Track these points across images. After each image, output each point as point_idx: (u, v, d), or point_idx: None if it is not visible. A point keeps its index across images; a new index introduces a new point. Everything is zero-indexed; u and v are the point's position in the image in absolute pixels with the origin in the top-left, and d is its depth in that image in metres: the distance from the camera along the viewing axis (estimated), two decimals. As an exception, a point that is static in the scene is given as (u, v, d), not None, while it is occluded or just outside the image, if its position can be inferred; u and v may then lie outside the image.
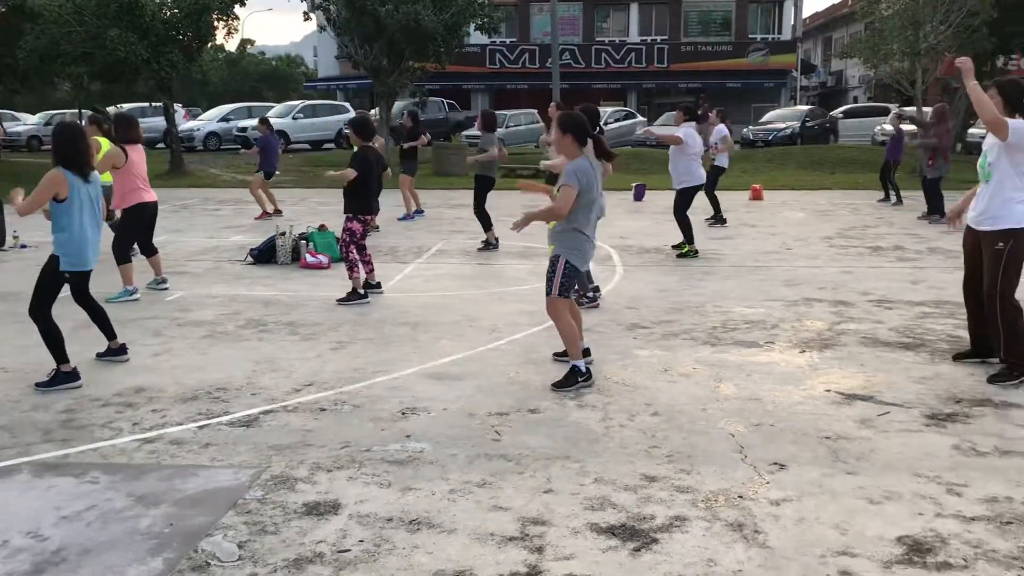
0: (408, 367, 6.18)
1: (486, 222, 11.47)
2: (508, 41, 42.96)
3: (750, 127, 32.44)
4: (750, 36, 43.95)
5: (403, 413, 5.25)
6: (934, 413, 5.18)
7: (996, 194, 5.77)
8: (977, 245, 5.95)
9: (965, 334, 6.79)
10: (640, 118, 35.22)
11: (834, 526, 3.78)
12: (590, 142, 5.80)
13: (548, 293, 5.74)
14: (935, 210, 13.88)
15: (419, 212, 15.35)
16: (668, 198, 17.67)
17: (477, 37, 33.21)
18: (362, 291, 8.37)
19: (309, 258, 10.25)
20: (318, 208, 16.27)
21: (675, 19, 44.07)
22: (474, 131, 33.67)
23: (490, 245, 11.40)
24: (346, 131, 28.33)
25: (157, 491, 4.19)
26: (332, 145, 32.86)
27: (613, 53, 43.41)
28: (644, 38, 44.04)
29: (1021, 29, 25.13)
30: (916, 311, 7.83)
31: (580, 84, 41.01)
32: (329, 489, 4.19)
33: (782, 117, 32.56)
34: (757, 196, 18.07)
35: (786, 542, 3.64)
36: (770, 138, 30.02)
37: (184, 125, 32.67)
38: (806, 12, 50.57)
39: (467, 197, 19.07)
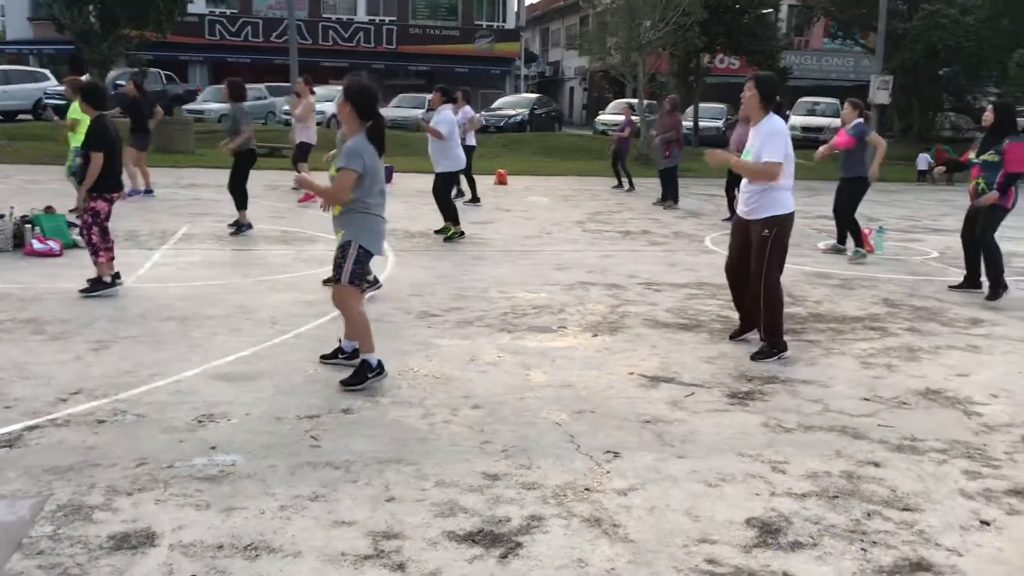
0: (189, 368, 5.54)
1: (242, 201, 10.65)
2: (229, 12, 40.75)
3: (482, 113, 33.04)
4: (476, 23, 44.77)
5: (199, 421, 4.68)
6: (733, 392, 5.42)
7: (759, 187, 6.11)
8: (746, 232, 6.29)
9: (733, 314, 7.22)
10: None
11: (685, 513, 3.80)
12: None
13: (337, 280, 5.35)
14: (670, 196, 14.80)
15: (148, 191, 14.08)
16: (416, 181, 17.63)
17: (196, 6, 31.21)
18: (108, 278, 7.46)
19: (37, 244, 9.01)
20: (27, 187, 14.44)
21: (403, 1, 43.92)
22: (196, 105, 31.72)
23: (242, 228, 10.64)
24: (47, 101, 25.52)
25: (-90, 537, 3.40)
26: (29, 116, 29.43)
27: (341, 31, 42.53)
28: (372, 18, 43.51)
29: (723, 29, 27.54)
30: (683, 292, 8.23)
31: (308, 61, 39.51)
32: (136, 516, 3.61)
33: (512, 104, 33.51)
34: (502, 181, 18.40)
35: (646, 534, 3.60)
36: (502, 124, 30.74)
37: None
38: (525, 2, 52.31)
39: (198, 176, 17.97)
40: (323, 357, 5.79)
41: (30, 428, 4.49)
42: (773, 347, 6.18)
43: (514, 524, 3.64)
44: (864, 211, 10.30)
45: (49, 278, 7.95)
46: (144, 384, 5.20)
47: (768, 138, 5.98)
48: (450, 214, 10.77)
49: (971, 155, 8.30)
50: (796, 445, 4.60)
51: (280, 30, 41.66)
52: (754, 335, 6.41)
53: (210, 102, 32.61)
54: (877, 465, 4.37)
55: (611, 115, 32.98)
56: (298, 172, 14.16)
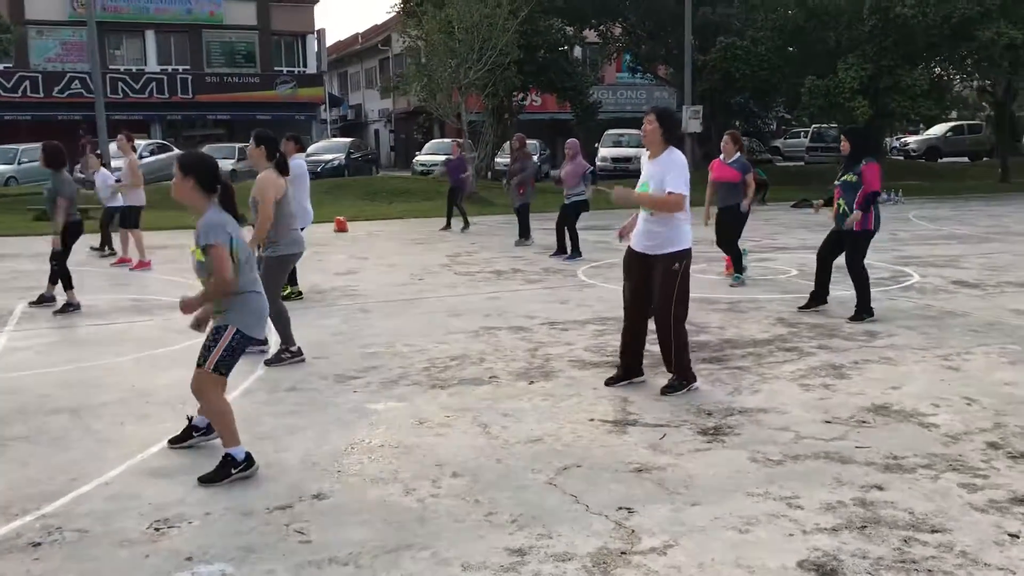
0: (110, 467, 4.84)
1: (67, 280, 9.54)
2: (3, 67, 37.64)
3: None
4: (276, 68, 43.68)
5: (156, 528, 4.06)
6: (703, 429, 5.34)
7: (665, 222, 5.96)
8: (646, 269, 6.08)
9: (652, 347, 7.19)
10: (176, 151, 33.13)
11: (735, 565, 3.63)
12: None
13: (200, 364, 4.64)
14: (524, 233, 14.83)
15: None
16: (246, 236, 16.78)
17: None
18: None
19: None
20: None
21: (196, 49, 42.21)
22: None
23: (70, 307, 9.52)
24: None
25: None
26: None
27: (131, 82, 40.14)
28: (165, 67, 41.48)
29: (535, 68, 28.23)
30: (589, 329, 8.15)
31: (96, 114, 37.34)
32: (140, 659, 3.03)
33: (327, 149, 32.82)
34: (342, 228, 17.84)
35: (712, 594, 3.40)
36: (319, 170, 29.95)
37: None
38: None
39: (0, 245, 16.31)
40: (172, 441, 5.15)
41: (-51, 565, 3.74)
42: (682, 379, 6.12)
43: (573, 603, 3.35)
44: (707, 234, 10.31)
45: None
46: (67, 492, 4.49)
47: (671, 169, 5.92)
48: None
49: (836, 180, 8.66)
50: (795, 477, 4.55)
51: (63, 84, 39.05)
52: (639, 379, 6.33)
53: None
54: (881, 488, 4.38)
55: (428, 155, 33.01)
56: (121, 236, 13.16)
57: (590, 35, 33.26)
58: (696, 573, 3.57)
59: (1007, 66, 26.89)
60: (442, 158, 31.78)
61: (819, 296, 8.91)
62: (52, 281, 9.64)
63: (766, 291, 10.10)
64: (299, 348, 7.11)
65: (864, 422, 5.41)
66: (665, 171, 5.95)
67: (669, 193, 5.88)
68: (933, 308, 8.90)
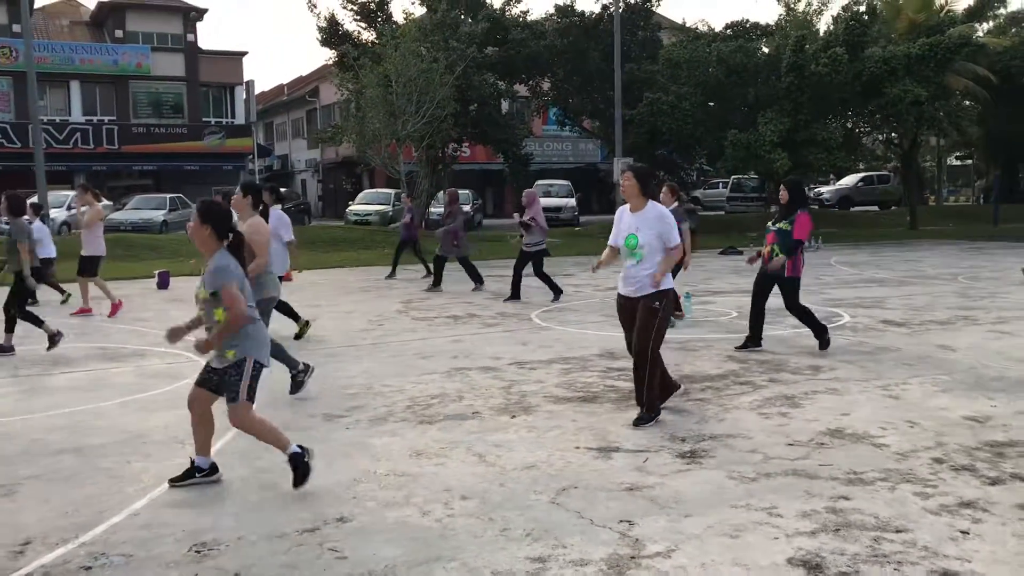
0: (132, 500, 5.10)
1: (35, 320, 9.86)
2: (-80, 116, 36.86)
3: (229, 210, 32.18)
4: (204, 119, 43.65)
5: (196, 551, 4.35)
6: (680, 453, 5.84)
7: (647, 267, 6.56)
8: (635, 311, 6.68)
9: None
10: (106, 201, 32.78)
11: (733, 563, 4.11)
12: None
13: (234, 400, 5.16)
14: (477, 280, 15.30)
15: None
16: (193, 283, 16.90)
17: None
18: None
19: None
20: None
21: (123, 100, 41.95)
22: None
23: (55, 340, 9.78)
24: None
25: None
26: None
27: (55, 133, 39.62)
28: (90, 118, 41.11)
29: (469, 121, 28.96)
30: (556, 368, 8.63)
31: (18, 166, 36.76)
32: (220, 659, 3.35)
33: (260, 199, 32.85)
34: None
35: (718, 588, 3.87)
36: (252, 220, 30.02)
37: None
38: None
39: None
40: (172, 481, 5.35)
41: (8, 589, 3.98)
42: (651, 411, 6.61)
43: (599, 600, 3.77)
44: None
45: None
46: (99, 523, 4.73)
47: (663, 222, 6.56)
48: (291, 312, 10.75)
49: (768, 224, 9.39)
50: (770, 491, 5.07)
51: (-18, 133, 38.39)
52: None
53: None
54: (847, 498, 4.93)
55: (362, 205, 33.40)
56: (98, 285, 13.21)
57: (520, 89, 34.29)
58: (700, 571, 4.04)
59: (913, 121, 28.74)
60: (376, 208, 32.36)
61: (754, 338, 9.44)
62: (36, 323, 9.87)
63: (711, 331, 10.75)
64: (304, 364, 7.74)
65: (823, 444, 5.98)
66: (657, 225, 6.56)
67: (672, 249, 6.59)
68: (867, 344, 9.64)
